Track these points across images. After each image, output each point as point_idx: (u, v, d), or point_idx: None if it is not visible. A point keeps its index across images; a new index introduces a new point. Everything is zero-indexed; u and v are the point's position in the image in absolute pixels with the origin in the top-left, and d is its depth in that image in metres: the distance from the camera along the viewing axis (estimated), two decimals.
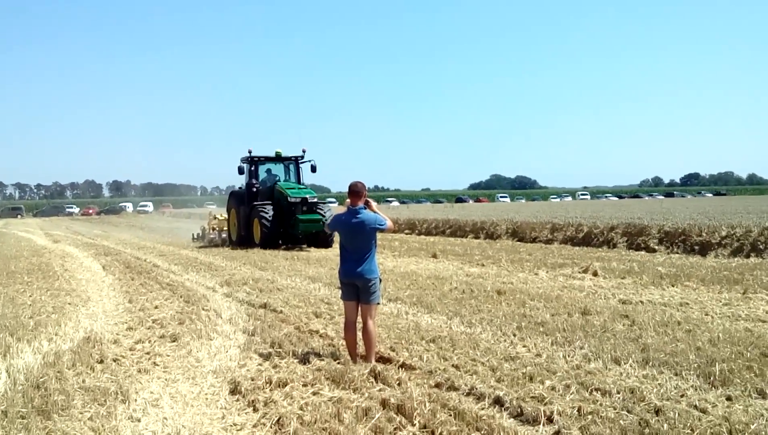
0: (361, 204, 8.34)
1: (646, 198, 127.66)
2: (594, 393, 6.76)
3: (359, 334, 8.38)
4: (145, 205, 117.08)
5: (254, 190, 27.99)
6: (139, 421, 6.44)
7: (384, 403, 6.60)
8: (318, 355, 8.54)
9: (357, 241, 8.30)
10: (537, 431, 5.84)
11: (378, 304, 8.56)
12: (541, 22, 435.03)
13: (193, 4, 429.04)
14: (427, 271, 17.53)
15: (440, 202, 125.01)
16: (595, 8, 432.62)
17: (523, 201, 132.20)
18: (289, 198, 26.41)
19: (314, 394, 7.03)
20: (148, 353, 9.17)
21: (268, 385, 7.35)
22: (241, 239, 27.86)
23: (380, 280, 8.49)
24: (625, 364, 7.80)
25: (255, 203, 27.43)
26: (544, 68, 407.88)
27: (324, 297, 13.27)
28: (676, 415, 5.99)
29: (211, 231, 32.81)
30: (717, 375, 7.20)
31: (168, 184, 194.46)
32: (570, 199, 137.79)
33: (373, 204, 8.51)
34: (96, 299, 13.95)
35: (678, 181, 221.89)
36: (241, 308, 12.33)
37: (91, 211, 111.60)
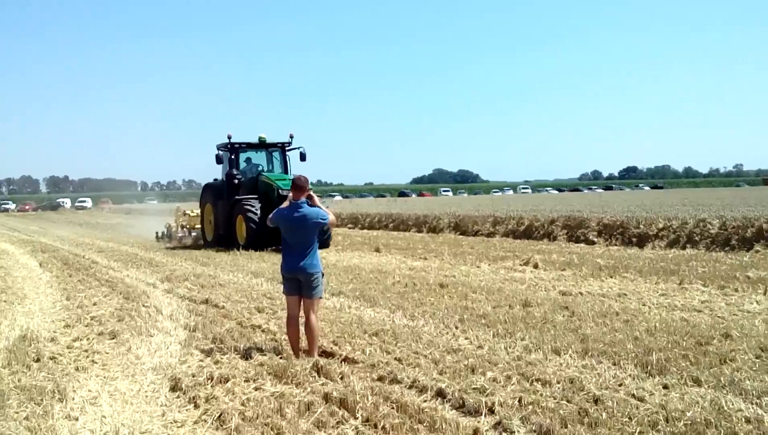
0: (303, 198, 8.32)
1: (586, 191, 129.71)
2: (534, 383, 6.84)
3: (302, 328, 8.35)
4: (84, 201, 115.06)
5: (236, 181, 24.36)
6: (76, 419, 6.31)
7: (326, 398, 6.59)
8: (260, 350, 8.49)
9: (299, 236, 8.28)
10: (479, 422, 5.88)
11: (321, 298, 8.55)
12: (480, 14, 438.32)
13: None
14: (370, 265, 17.56)
15: (383, 196, 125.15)
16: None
17: (466, 195, 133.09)
18: (280, 190, 22.32)
19: (256, 389, 6.99)
20: (86, 351, 9.00)
21: (209, 381, 7.27)
22: (220, 239, 24.58)
23: (323, 275, 8.49)
24: (564, 354, 7.90)
25: (237, 197, 23.80)
26: (486, 62, 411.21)
27: (266, 292, 13.19)
28: (615, 403, 6.09)
29: (180, 229, 29.53)
30: (654, 364, 7.34)
31: (107, 180, 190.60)
32: (511, 192, 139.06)
33: (316, 198, 8.50)
34: (32, 297, 13.66)
35: (616, 174, 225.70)
36: (182, 304, 12.19)
37: (27, 208, 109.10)
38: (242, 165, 25.28)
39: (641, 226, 22.41)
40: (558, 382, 6.82)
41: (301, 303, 8.31)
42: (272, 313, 11.09)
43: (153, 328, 10.10)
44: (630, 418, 5.75)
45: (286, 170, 25.24)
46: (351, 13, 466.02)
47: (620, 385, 6.75)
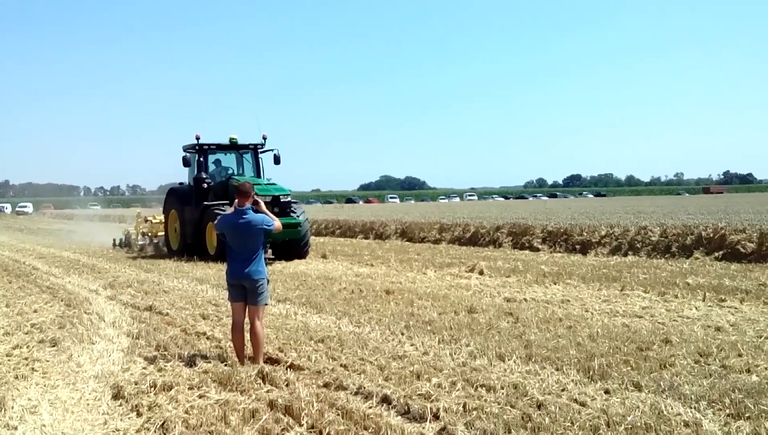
0: (248, 204, 8.30)
1: (531, 199, 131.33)
2: (479, 389, 6.89)
3: (247, 335, 8.30)
4: (25, 206, 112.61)
5: (205, 186, 22.29)
6: (15, 429, 6.18)
7: (272, 405, 6.56)
8: (205, 358, 8.42)
9: (244, 242, 8.26)
10: (423, 428, 5.91)
11: (266, 305, 8.52)
12: (424, 21, 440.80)
13: None
14: (317, 272, 17.52)
15: (330, 202, 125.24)
16: (482, 4, 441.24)
17: (412, 202, 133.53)
18: (255, 196, 21.33)
19: (200, 397, 6.92)
20: (26, 359, 8.82)
21: (152, 389, 7.18)
22: (187, 248, 22.48)
23: (268, 281, 8.46)
24: (509, 360, 7.98)
25: (207, 203, 21.65)
26: (433, 69, 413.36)
27: (211, 298, 13.08)
28: (557, 408, 6.17)
29: (140, 237, 27.27)
30: (596, 369, 7.45)
31: (49, 185, 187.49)
32: (458, 199, 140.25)
33: (262, 204, 8.49)
34: None
35: (561, 182, 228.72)
36: (126, 311, 12.03)
37: None
38: (210, 168, 23.40)
39: (584, 234, 22.75)
40: (502, 388, 6.88)
41: (247, 309, 8.27)
42: (217, 319, 11.00)
43: (95, 336, 9.95)
44: (572, 423, 5.83)
45: (258, 174, 23.26)
46: (299, 17, 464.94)
47: (563, 390, 6.84)
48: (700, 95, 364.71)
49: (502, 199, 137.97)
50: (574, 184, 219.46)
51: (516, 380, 7.14)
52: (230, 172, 23.61)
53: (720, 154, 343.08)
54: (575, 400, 6.48)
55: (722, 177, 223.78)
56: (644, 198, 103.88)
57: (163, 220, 25.07)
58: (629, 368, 7.54)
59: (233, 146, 23.41)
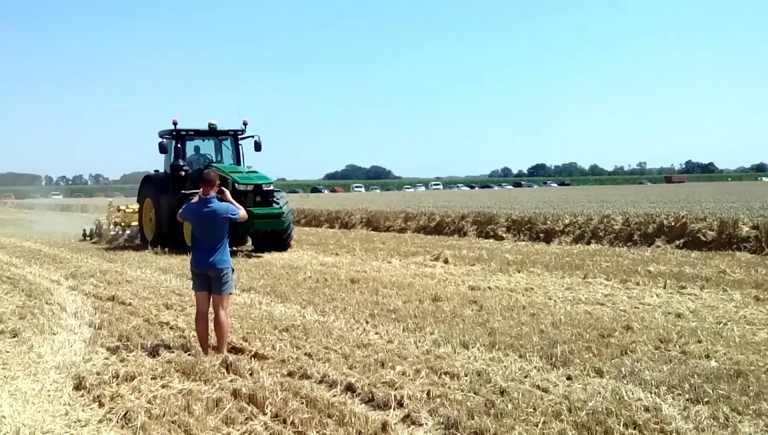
0: (213, 193, 8.25)
1: (496, 188, 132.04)
2: (443, 376, 6.92)
3: (211, 324, 8.26)
4: None
5: (182, 173, 21.21)
6: None
7: (235, 394, 6.53)
8: (168, 348, 8.36)
9: (209, 231, 8.22)
10: (387, 416, 5.92)
11: (230, 294, 8.50)
12: (388, 9, 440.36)
13: None
14: (282, 261, 17.49)
15: (296, 191, 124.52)
16: None
17: (378, 191, 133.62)
18: (236, 184, 19.45)
19: (163, 386, 6.87)
20: None
21: (114, 379, 7.11)
22: (163, 239, 21.21)
23: (233, 270, 8.43)
24: (473, 347, 8.03)
25: (185, 191, 20.17)
26: (399, 59, 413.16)
27: (175, 288, 13.00)
28: (520, 395, 6.22)
29: (112, 227, 25.93)
30: (558, 356, 7.52)
31: (10, 174, 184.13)
32: (423, 189, 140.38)
33: (227, 193, 8.45)
34: None
35: (526, 171, 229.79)
36: (88, 301, 11.91)
37: None
38: (189, 154, 22.46)
39: (548, 222, 22.92)
40: (466, 375, 6.92)
41: (211, 299, 8.23)
42: (181, 309, 10.93)
43: (56, 326, 9.84)
44: (534, 409, 5.88)
45: (239, 161, 22.36)
46: (260, 4, 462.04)
47: (526, 376, 6.90)
48: (663, 86, 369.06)
49: (468, 188, 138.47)
50: (538, 173, 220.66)
51: (480, 367, 7.18)
52: (209, 159, 22.63)
53: (682, 143, 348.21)
54: (538, 387, 6.54)
55: (684, 166, 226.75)
56: (608, 187, 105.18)
57: (137, 210, 23.89)
58: (591, 355, 7.63)
59: (212, 132, 22.45)
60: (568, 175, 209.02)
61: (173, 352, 8.11)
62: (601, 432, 5.42)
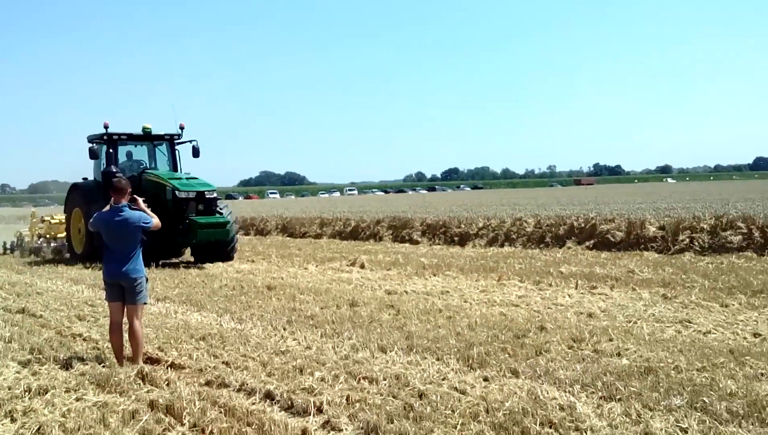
0: (124, 201, 8.10)
1: (410, 192, 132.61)
2: (362, 381, 6.96)
3: (126, 335, 8.12)
4: None
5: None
6: None
7: (152, 405, 6.44)
8: (81, 360, 8.17)
9: (121, 240, 8.07)
10: (307, 422, 5.92)
11: (145, 303, 8.36)
12: (302, 13, 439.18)
13: None
14: (197, 269, 17.25)
15: None
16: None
17: (293, 197, 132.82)
18: (176, 192, 18.52)
19: (78, 399, 6.71)
20: None
21: (26, 393, 6.91)
22: (95, 252, 18.17)
23: (147, 280, 8.29)
24: (391, 351, 8.08)
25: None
26: (311, 63, 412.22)
27: (88, 299, 12.69)
28: (438, 397, 6.30)
29: (35, 239, 24.08)
30: (475, 358, 7.65)
31: None
32: (338, 194, 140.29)
33: (140, 201, 8.32)
34: None
35: (439, 175, 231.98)
36: None
37: None
38: (121, 160, 20.86)
39: (462, 226, 23.27)
40: (384, 379, 6.97)
41: (125, 309, 8.09)
42: (94, 320, 10.69)
43: None
44: (453, 411, 5.97)
45: (175, 167, 21.11)
46: (180, 8, 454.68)
47: (444, 379, 6.99)
48: (570, 90, 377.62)
49: (382, 193, 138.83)
50: (452, 177, 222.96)
51: (398, 371, 7.24)
52: (143, 165, 21.16)
53: (590, 147, 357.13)
54: (456, 389, 6.63)
55: (592, 169, 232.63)
56: (519, 190, 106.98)
57: (64, 221, 22.10)
58: (507, 355, 7.78)
59: (146, 137, 20.99)
60: (481, 178, 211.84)
61: (87, 364, 7.93)
62: (518, 432, 5.53)
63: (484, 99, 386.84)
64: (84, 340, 9.46)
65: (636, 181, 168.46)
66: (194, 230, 17.94)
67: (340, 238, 26.66)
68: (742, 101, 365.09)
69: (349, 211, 33.20)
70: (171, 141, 21.31)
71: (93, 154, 20.38)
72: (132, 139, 20.85)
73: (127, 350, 8.12)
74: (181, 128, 21.12)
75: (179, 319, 10.50)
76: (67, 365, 7.95)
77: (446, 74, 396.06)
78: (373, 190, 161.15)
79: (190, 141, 20.91)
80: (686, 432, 5.45)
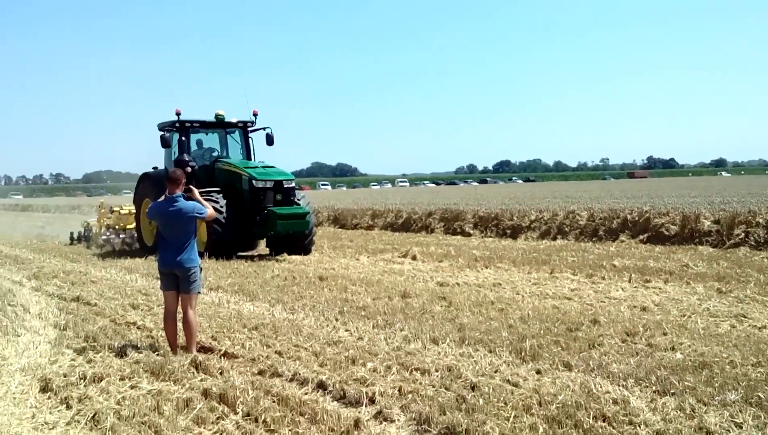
0: (179, 191, 8.17)
1: (462, 184, 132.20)
2: (414, 373, 6.94)
3: (180, 324, 8.20)
4: None
5: (189, 169, 17.81)
6: None
7: (206, 393, 6.49)
8: (136, 348, 8.28)
9: (175, 230, 8.15)
10: (359, 412, 5.91)
11: (199, 293, 8.45)
12: (359, 6, 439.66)
13: None
14: (249, 259, 17.37)
15: None
16: None
17: (344, 188, 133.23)
18: (253, 181, 17.84)
19: (132, 387, 6.81)
20: None
21: (82, 380, 7.03)
22: None
23: (201, 269, 8.37)
24: (443, 343, 8.05)
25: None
26: (364, 56, 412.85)
27: (141, 288, 12.86)
28: (491, 389, 6.24)
29: (105, 230, 23.20)
30: (527, 350, 7.57)
31: None
32: (390, 186, 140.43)
33: (195, 191, 8.39)
34: None
35: (491, 168, 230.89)
36: (52, 302, 11.73)
37: None
38: (192, 148, 19.95)
39: (515, 218, 23.09)
40: (436, 371, 6.93)
41: (179, 298, 8.17)
42: (148, 309, 10.82)
43: (20, 328, 9.68)
44: (505, 403, 5.91)
45: (249, 156, 20.33)
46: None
47: (496, 371, 6.93)
48: (625, 83, 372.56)
49: (434, 185, 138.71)
50: (503, 169, 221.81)
51: (450, 363, 7.20)
52: (215, 154, 20.48)
53: (643, 139, 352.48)
54: (508, 381, 6.57)
55: (646, 162, 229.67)
56: (572, 183, 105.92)
57: (134, 211, 21.16)
58: (559, 349, 7.69)
59: (219, 124, 20.18)
60: (533, 171, 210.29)
61: (141, 352, 8.04)
62: (571, 425, 5.46)
63: (537, 91, 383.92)
64: (138, 328, 9.58)
65: (690, 174, 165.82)
66: (273, 221, 17.28)
67: (391, 229, 26.67)
68: None
69: (400, 202, 33.17)
70: (245, 128, 20.60)
71: (165, 143, 19.60)
72: (204, 126, 20.17)
73: (181, 339, 8.21)
74: (255, 115, 20.42)
75: (232, 309, 10.58)
76: (121, 353, 8.06)
77: (499, 67, 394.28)
78: (425, 181, 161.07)
79: (264, 128, 20.24)
80: (741, 427, 5.35)
